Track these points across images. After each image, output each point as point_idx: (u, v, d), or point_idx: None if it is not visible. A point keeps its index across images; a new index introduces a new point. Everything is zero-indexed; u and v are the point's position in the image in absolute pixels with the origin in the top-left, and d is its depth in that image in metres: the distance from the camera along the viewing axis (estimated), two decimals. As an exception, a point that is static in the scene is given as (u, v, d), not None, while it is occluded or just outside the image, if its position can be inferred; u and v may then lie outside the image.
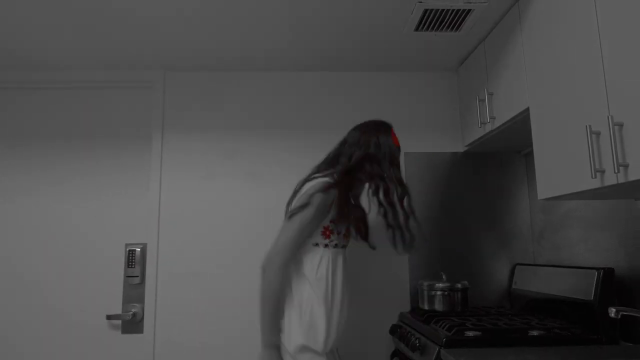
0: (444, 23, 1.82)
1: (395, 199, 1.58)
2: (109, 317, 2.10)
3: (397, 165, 1.63)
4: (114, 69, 2.25)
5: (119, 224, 2.20)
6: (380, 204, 1.60)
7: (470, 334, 1.50)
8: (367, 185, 1.66)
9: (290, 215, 1.52)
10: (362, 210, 1.79)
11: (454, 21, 1.81)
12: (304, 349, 1.46)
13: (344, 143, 1.69)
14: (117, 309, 2.13)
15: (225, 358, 2.08)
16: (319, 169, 1.67)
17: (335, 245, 1.56)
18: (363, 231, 1.81)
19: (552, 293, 1.75)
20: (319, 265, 1.52)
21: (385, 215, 1.59)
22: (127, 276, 2.15)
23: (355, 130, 1.69)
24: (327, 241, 1.54)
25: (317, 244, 1.54)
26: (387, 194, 1.58)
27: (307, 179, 1.60)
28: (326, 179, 1.55)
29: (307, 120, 2.29)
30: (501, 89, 1.80)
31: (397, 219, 1.58)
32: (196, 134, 2.25)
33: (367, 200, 1.66)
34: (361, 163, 1.60)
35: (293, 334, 1.47)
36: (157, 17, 1.77)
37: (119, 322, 2.12)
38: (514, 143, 2.09)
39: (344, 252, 1.62)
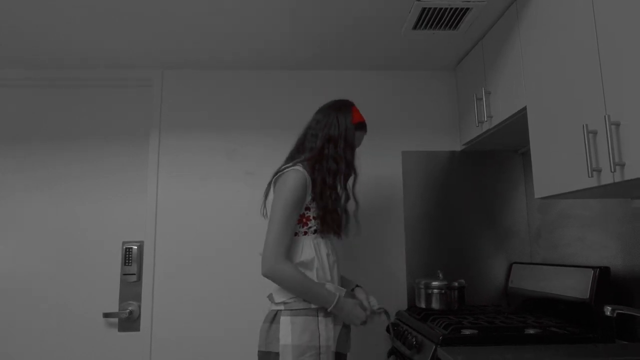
0: (442, 22, 1.82)
1: (340, 180, 1.57)
2: (105, 315, 2.09)
3: (351, 145, 1.61)
4: (112, 68, 2.24)
5: (116, 221, 2.19)
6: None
7: (466, 332, 1.51)
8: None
9: (271, 214, 1.51)
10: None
11: (452, 20, 1.81)
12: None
13: (308, 127, 1.68)
14: (114, 307, 2.13)
15: (223, 356, 2.08)
16: (291, 156, 1.66)
17: (315, 231, 1.55)
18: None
19: (549, 291, 1.76)
20: (302, 254, 1.51)
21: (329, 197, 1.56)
22: (124, 274, 2.14)
23: (318, 113, 1.69)
24: (305, 228, 1.54)
25: (296, 234, 1.53)
26: (334, 175, 1.56)
27: (279, 170, 1.58)
28: (296, 167, 1.53)
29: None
30: (499, 88, 1.80)
31: (338, 201, 1.58)
32: (194, 133, 2.24)
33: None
34: (322, 146, 1.59)
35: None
36: (156, 16, 1.76)
37: (116, 320, 2.12)
38: (511, 142, 2.09)
39: (328, 237, 1.59)
